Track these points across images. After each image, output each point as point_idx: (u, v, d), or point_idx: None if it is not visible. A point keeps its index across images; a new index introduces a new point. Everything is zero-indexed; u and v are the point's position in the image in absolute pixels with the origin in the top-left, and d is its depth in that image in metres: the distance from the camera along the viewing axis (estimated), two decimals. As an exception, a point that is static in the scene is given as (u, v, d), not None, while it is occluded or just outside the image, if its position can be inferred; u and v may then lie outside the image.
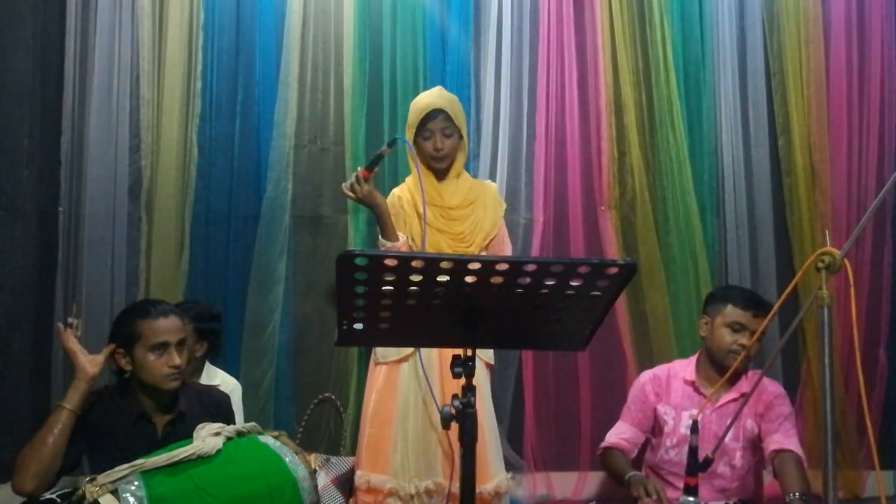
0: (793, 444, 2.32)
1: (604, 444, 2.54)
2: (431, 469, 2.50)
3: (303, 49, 3.23)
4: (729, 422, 2.05)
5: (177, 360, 2.00)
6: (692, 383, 2.46)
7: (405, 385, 2.53)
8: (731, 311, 2.39)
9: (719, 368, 2.40)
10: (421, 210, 2.54)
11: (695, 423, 1.96)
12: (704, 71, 3.40)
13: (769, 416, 2.38)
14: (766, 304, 2.44)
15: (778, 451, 2.31)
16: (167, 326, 2.02)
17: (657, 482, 2.25)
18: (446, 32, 3.30)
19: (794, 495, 2.17)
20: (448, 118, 2.59)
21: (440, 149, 2.58)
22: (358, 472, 2.55)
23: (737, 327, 2.37)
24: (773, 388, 2.45)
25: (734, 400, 2.40)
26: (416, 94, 3.22)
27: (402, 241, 2.56)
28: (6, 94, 3.00)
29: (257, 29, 3.22)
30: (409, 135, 2.64)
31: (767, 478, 2.54)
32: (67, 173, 3.08)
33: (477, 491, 2.40)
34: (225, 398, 2.25)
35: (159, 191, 3.11)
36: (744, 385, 2.42)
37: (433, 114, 2.58)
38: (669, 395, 2.48)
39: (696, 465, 1.93)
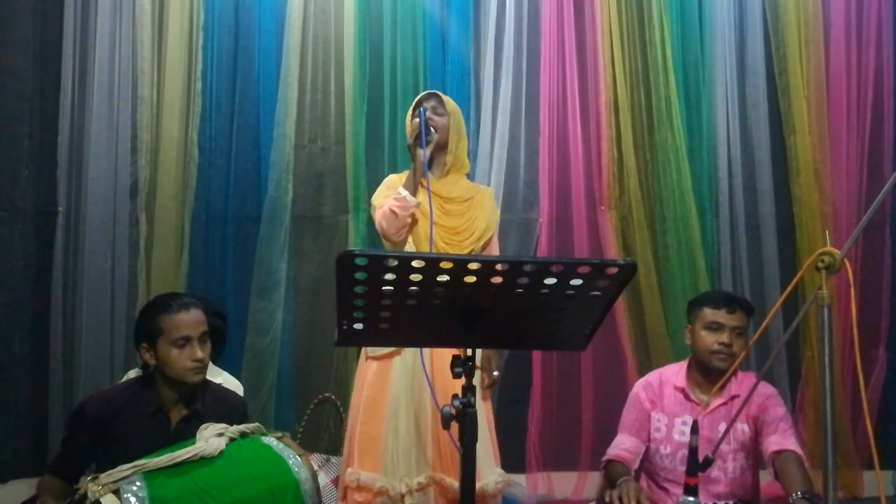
0: (791, 443, 2.32)
1: (606, 458, 2.52)
2: (424, 464, 2.46)
3: (303, 49, 3.24)
4: (726, 426, 2.06)
5: (199, 354, 2.02)
6: (682, 390, 2.46)
7: (397, 380, 2.50)
8: (708, 313, 2.42)
9: (707, 372, 2.41)
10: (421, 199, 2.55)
11: (695, 423, 1.96)
12: (704, 71, 3.40)
13: (765, 419, 2.37)
14: (741, 301, 2.45)
15: (778, 453, 2.31)
16: (188, 321, 2.03)
17: (639, 488, 2.23)
18: (446, 32, 3.31)
19: (798, 494, 2.16)
20: (441, 101, 2.63)
21: (430, 118, 2.58)
22: (349, 470, 2.49)
23: (714, 326, 2.39)
24: (764, 389, 2.44)
25: (724, 404, 2.40)
26: (416, 94, 3.22)
27: (413, 202, 2.52)
28: (6, 94, 3.00)
29: (257, 29, 3.23)
30: (408, 127, 2.65)
31: (767, 478, 2.54)
32: (67, 173, 3.08)
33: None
34: (241, 403, 2.23)
35: (159, 191, 3.11)
36: (733, 388, 2.42)
37: (425, 97, 2.65)
38: (662, 401, 2.48)
39: (696, 465, 1.93)
